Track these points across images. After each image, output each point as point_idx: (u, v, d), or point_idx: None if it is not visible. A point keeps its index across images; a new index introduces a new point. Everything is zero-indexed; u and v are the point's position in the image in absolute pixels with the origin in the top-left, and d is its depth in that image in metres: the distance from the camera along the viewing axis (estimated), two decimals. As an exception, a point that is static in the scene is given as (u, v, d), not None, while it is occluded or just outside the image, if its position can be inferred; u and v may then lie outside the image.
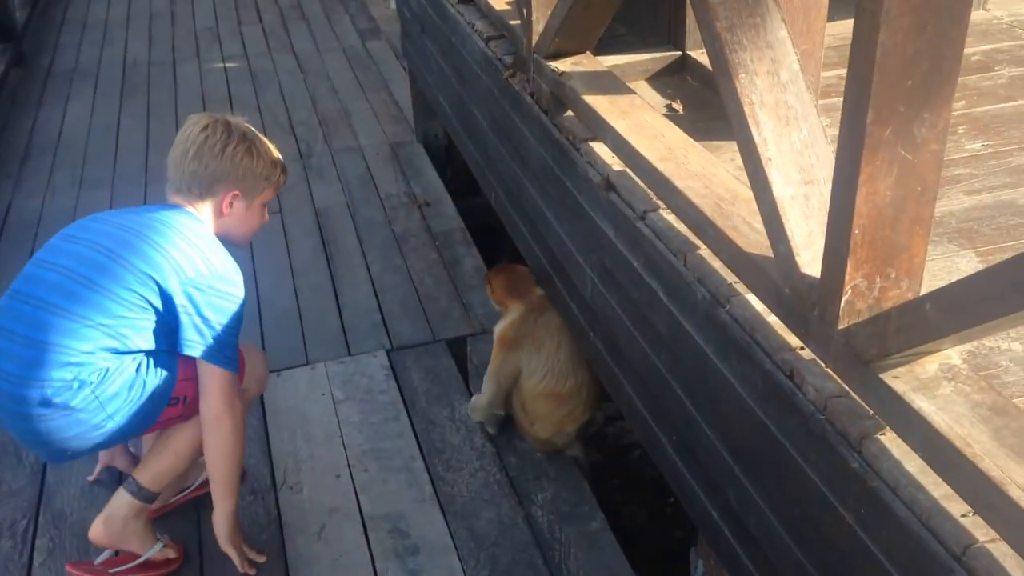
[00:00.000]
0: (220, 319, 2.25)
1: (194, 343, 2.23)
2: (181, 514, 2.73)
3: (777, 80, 1.65)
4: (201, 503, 2.76)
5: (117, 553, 2.54)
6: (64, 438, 2.25)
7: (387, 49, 6.64)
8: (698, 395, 1.96)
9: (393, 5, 6.88)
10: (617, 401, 2.54)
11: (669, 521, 3.40)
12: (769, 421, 1.66)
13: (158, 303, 2.20)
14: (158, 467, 2.46)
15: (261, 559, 2.57)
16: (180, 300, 2.20)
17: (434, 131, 5.10)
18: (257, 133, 2.44)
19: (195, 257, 2.23)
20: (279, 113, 5.68)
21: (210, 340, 2.24)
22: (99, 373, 2.19)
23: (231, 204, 2.37)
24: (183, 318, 2.21)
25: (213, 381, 2.29)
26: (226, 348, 2.28)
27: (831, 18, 2.19)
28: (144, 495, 2.45)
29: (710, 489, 1.99)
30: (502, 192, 3.32)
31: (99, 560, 2.53)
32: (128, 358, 2.23)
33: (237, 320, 2.30)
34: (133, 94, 6.11)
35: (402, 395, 3.25)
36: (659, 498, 3.48)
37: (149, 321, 2.21)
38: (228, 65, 6.50)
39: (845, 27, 2.76)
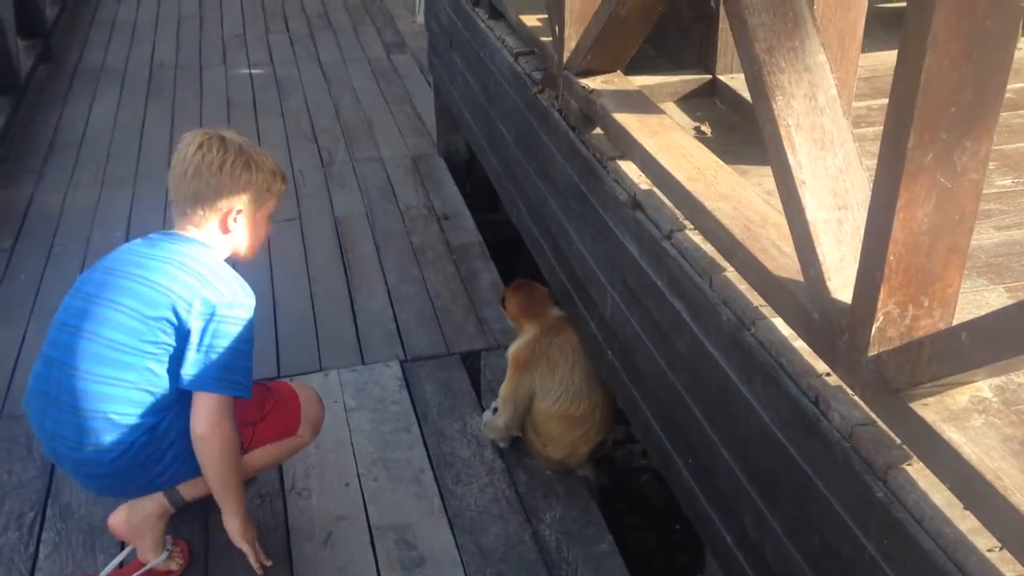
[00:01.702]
0: (225, 345, 2.26)
1: (188, 376, 2.25)
2: (188, 514, 2.71)
3: (814, 104, 1.64)
4: (209, 504, 2.74)
5: (122, 565, 2.54)
6: (129, 489, 2.41)
7: (412, 63, 6.67)
8: (718, 418, 1.94)
9: (420, 20, 6.92)
10: (632, 422, 2.52)
11: (677, 547, 3.37)
12: (791, 447, 1.64)
13: (174, 341, 2.25)
14: (197, 480, 2.46)
15: (268, 563, 2.55)
16: (191, 333, 2.23)
17: (456, 145, 5.11)
18: (253, 144, 2.42)
19: (198, 285, 2.25)
20: (302, 120, 5.71)
21: (207, 368, 2.25)
22: (150, 431, 2.29)
23: (235, 219, 2.37)
24: (188, 352, 2.23)
25: (200, 402, 2.28)
26: (224, 371, 2.27)
27: (863, 50, 2.19)
28: (175, 497, 2.47)
29: (726, 514, 1.97)
30: (524, 207, 3.32)
31: (103, 574, 2.51)
32: (175, 411, 2.30)
33: (243, 342, 2.30)
34: (159, 95, 6.15)
35: (414, 406, 3.23)
36: (667, 524, 3.45)
37: (170, 361, 2.26)
38: (254, 71, 6.54)
39: (876, 59, 2.79)
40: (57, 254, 4.25)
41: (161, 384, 2.27)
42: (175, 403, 2.30)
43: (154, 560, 2.48)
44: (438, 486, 2.88)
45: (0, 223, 4.52)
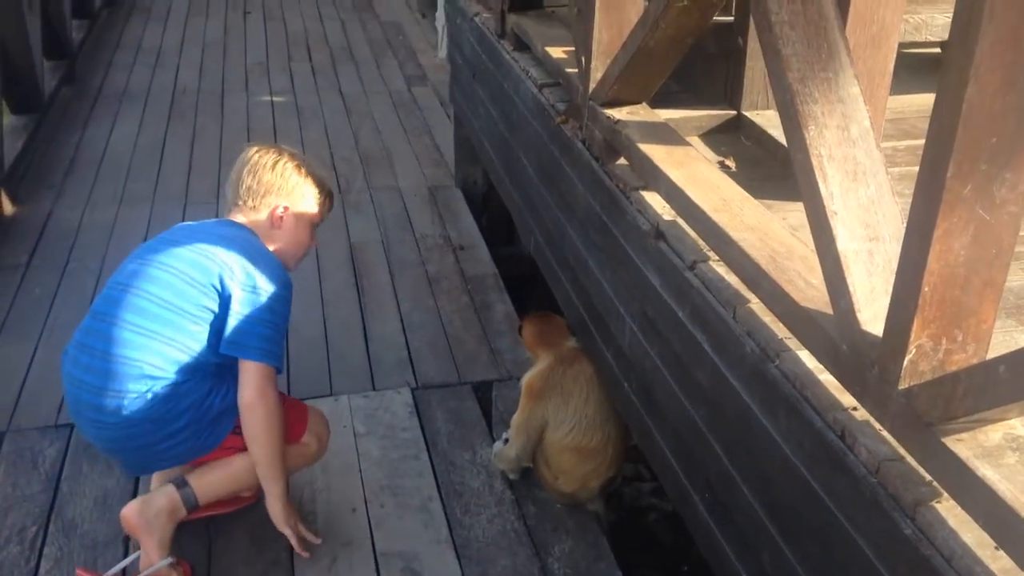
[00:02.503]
0: (263, 315, 2.39)
1: (232, 341, 2.36)
2: (192, 533, 2.68)
3: (847, 135, 1.63)
4: (211, 523, 2.71)
5: (125, 572, 2.52)
6: (136, 447, 2.43)
7: (432, 96, 6.71)
8: (738, 452, 1.91)
9: (442, 54, 6.97)
10: (648, 456, 2.49)
11: (685, 588, 3.32)
12: (815, 482, 1.61)
13: (217, 308, 2.37)
14: (211, 479, 2.53)
15: (317, 540, 2.63)
16: (231, 300, 2.36)
17: (474, 177, 5.12)
18: (308, 158, 2.70)
19: (244, 259, 2.41)
20: (321, 149, 5.73)
21: (249, 336, 2.37)
22: (171, 387, 2.35)
23: (282, 217, 2.58)
24: (230, 319, 2.36)
25: (246, 372, 2.39)
26: (265, 342, 2.39)
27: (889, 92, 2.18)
28: (188, 495, 2.50)
29: (743, 550, 1.93)
30: (543, 238, 3.31)
31: (108, 574, 2.49)
32: (199, 377, 2.38)
33: (281, 318, 2.45)
34: (180, 119, 6.18)
35: (424, 434, 3.20)
36: (675, 563, 3.39)
37: (211, 328, 2.38)
38: (275, 99, 6.58)
39: (901, 102, 2.78)
40: (72, 270, 4.25)
41: (195, 347, 2.37)
42: (201, 370, 2.39)
43: (159, 562, 2.44)
44: (446, 515, 2.84)
45: (17, 238, 4.52)
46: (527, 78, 3.42)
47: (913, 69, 2.87)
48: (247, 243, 2.48)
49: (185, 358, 2.36)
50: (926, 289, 1.32)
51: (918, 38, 2.84)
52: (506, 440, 2.98)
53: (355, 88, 6.89)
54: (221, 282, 2.37)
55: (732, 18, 2.78)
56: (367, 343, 3.75)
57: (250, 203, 2.56)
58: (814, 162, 1.61)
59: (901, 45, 2.58)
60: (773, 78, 1.75)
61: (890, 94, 2.20)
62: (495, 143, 4.04)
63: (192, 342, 2.37)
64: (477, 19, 4.29)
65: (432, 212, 4.93)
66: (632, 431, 2.66)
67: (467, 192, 5.14)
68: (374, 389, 3.45)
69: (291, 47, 7.84)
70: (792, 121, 1.66)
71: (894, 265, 1.44)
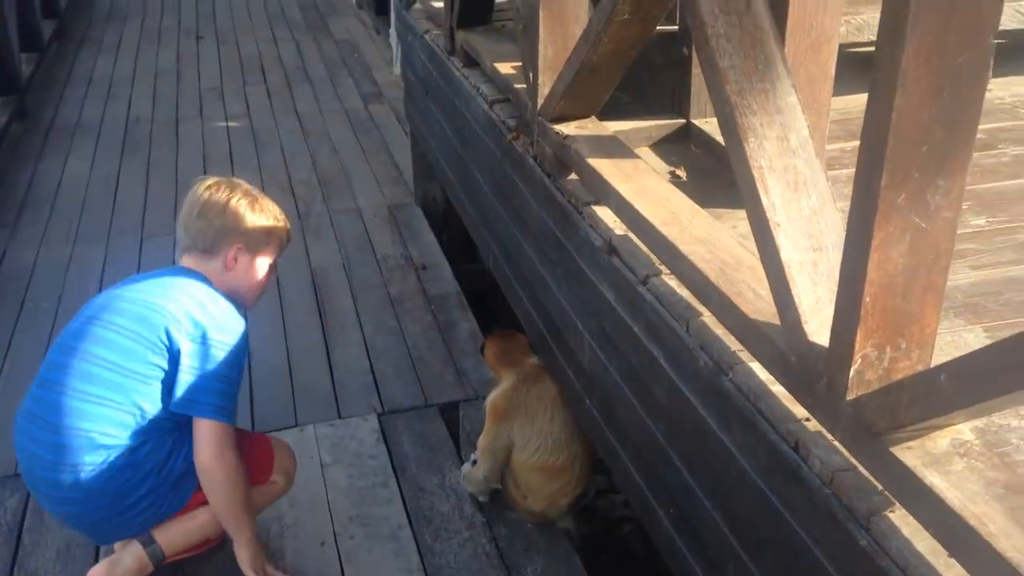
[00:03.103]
0: (215, 370, 2.29)
1: (179, 397, 2.27)
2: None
3: (787, 146, 1.63)
4: (179, 567, 2.67)
5: None
6: (97, 519, 2.36)
7: (389, 113, 6.68)
8: (697, 466, 1.90)
9: (397, 70, 6.96)
10: (613, 471, 2.47)
11: (661, 599, 3.30)
12: (772, 494, 1.60)
13: (166, 365, 2.28)
14: (177, 532, 2.48)
15: None
16: (181, 355, 2.26)
17: (433, 194, 5.10)
18: (260, 193, 2.57)
19: (193, 310, 2.31)
20: (279, 172, 5.69)
21: (200, 392, 2.27)
22: (128, 454, 2.27)
23: (235, 258, 2.46)
24: (180, 375, 2.26)
25: (200, 432, 2.30)
26: (217, 397, 2.30)
27: (834, 93, 2.19)
28: (156, 552, 2.46)
29: (708, 565, 1.92)
30: (500, 255, 3.29)
31: None
32: (156, 438, 2.30)
33: (234, 369, 2.34)
34: (134, 151, 6.12)
35: (392, 460, 3.17)
36: (648, 574, 3.38)
37: (163, 385, 2.28)
38: (231, 124, 6.53)
39: (847, 102, 2.79)
40: (29, 311, 4.18)
41: (147, 409, 2.27)
42: (158, 432, 2.30)
43: None
44: (416, 543, 2.81)
45: (-29, 280, 4.45)
46: (478, 94, 3.41)
47: (858, 68, 2.88)
48: (197, 291, 2.37)
49: (139, 422, 2.27)
50: (867, 299, 1.32)
51: (861, 39, 2.87)
52: (474, 462, 2.96)
53: (311, 108, 6.85)
54: (168, 336, 2.26)
55: (676, 27, 2.79)
56: (331, 370, 3.71)
57: (201, 246, 2.44)
58: (755, 174, 1.61)
59: (845, 45, 2.60)
60: (712, 91, 1.75)
61: (836, 95, 2.21)
62: (450, 160, 4.03)
63: (145, 403, 2.27)
64: (427, 36, 4.28)
65: (393, 232, 4.91)
66: (596, 447, 2.64)
67: (427, 209, 5.12)
68: (340, 417, 3.41)
69: (245, 71, 7.79)
70: (732, 134, 1.66)
71: (839, 274, 1.44)
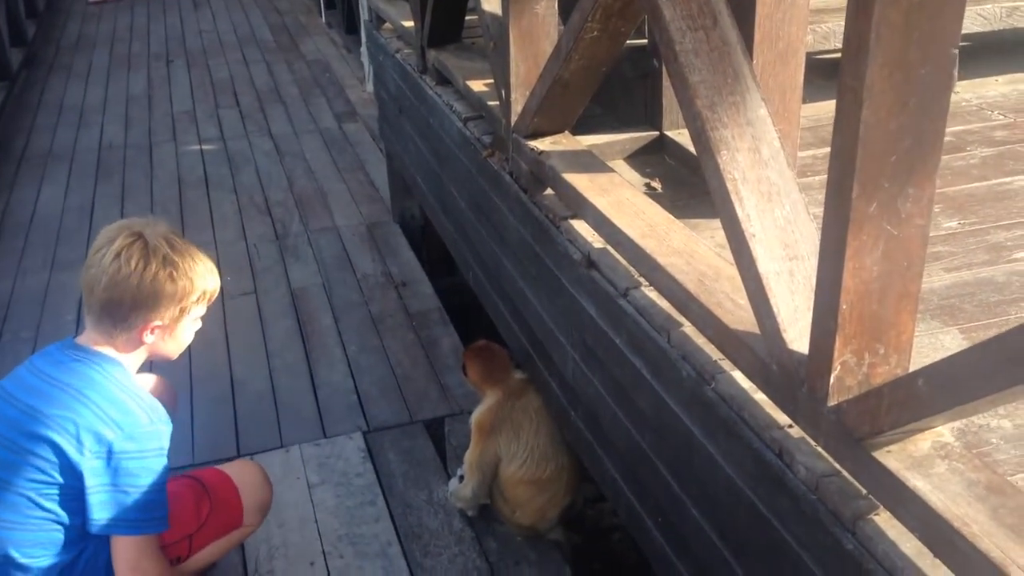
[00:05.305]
0: (133, 483, 2.06)
1: (97, 521, 2.06)
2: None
3: (759, 157, 1.65)
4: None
5: None
6: None
7: (363, 131, 6.70)
8: (684, 476, 1.92)
9: (370, 88, 6.97)
10: (600, 483, 2.49)
11: (653, 607, 3.31)
12: (759, 501, 1.62)
13: (59, 476, 2.04)
14: None
15: None
16: (87, 476, 2.03)
17: (410, 211, 5.11)
18: (182, 245, 2.15)
19: (94, 422, 2.03)
20: (255, 194, 5.69)
21: (118, 512, 2.06)
22: (66, 568, 2.12)
23: (152, 333, 2.13)
24: (88, 496, 2.04)
25: (115, 548, 2.11)
26: (133, 512, 2.08)
27: (805, 100, 2.22)
28: None
29: (698, 573, 1.93)
30: (480, 271, 3.31)
31: None
32: (94, 540, 2.12)
33: (156, 474, 2.10)
34: (108, 177, 6.10)
35: (379, 478, 3.18)
36: (642, 583, 3.40)
37: (60, 494, 2.06)
38: (205, 147, 6.53)
39: (818, 109, 2.83)
40: (7, 342, 4.16)
41: (61, 520, 2.07)
42: (90, 536, 2.10)
43: None
44: (406, 560, 2.82)
45: (-52, 313, 4.43)
46: (451, 112, 3.43)
47: (827, 75, 2.92)
48: (98, 388, 2.06)
49: (57, 536, 2.08)
50: (844, 306, 1.34)
51: (827, 46, 2.90)
52: (461, 478, 2.97)
53: (285, 129, 6.86)
54: (58, 450, 2.00)
55: (646, 41, 2.82)
56: (315, 390, 3.71)
57: (111, 325, 2.09)
58: (729, 186, 1.64)
59: (813, 53, 2.63)
60: (683, 106, 1.78)
61: (806, 102, 2.24)
62: (426, 178, 4.05)
63: (53, 516, 2.06)
64: (399, 55, 4.29)
65: (372, 250, 4.91)
66: (583, 459, 2.66)
67: (405, 226, 5.14)
68: (325, 436, 3.42)
69: (217, 93, 7.79)
70: (705, 147, 1.69)
71: (815, 282, 1.47)
